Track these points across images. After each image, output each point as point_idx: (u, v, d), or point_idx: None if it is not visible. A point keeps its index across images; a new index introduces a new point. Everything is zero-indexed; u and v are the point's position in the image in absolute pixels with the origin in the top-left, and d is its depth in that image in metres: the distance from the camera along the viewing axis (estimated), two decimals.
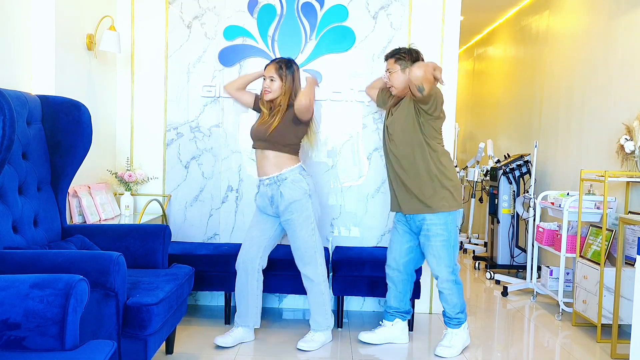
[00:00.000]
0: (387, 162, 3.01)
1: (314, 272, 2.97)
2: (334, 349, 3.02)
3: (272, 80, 2.88)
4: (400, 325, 3.13)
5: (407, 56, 2.89)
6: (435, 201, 2.85)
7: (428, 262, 2.98)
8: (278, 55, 3.63)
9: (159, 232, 2.78)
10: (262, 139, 2.90)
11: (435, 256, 2.91)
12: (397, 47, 3.01)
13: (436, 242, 2.89)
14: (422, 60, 2.89)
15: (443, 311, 3.02)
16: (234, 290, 3.28)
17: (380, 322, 3.17)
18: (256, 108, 3.15)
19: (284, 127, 2.87)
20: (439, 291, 2.98)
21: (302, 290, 3.23)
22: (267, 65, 2.96)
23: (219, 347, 2.93)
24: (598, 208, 3.65)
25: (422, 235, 2.93)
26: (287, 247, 3.24)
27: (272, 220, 3.01)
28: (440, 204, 2.86)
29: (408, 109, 2.86)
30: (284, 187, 2.86)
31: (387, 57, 2.97)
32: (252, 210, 3.27)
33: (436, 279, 2.98)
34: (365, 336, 3.12)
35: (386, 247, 3.25)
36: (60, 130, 2.62)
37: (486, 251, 5.77)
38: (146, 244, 2.75)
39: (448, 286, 2.94)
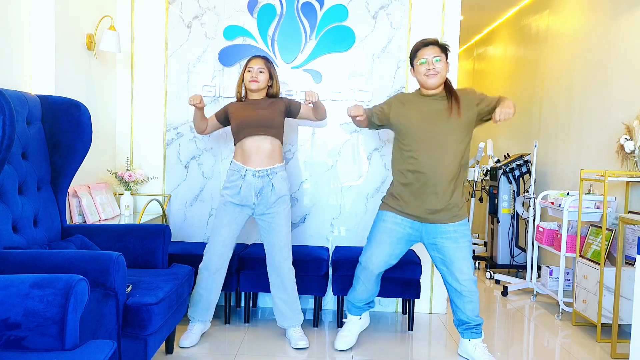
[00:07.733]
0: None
1: (290, 265, 3.04)
2: (334, 349, 3.01)
3: (261, 72, 3.01)
4: (366, 315, 3.13)
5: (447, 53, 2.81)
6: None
7: (457, 265, 2.79)
8: (278, 55, 3.63)
9: (158, 232, 2.78)
10: (264, 125, 2.94)
11: (466, 258, 2.80)
12: (437, 39, 2.80)
13: (465, 242, 2.80)
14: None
15: (461, 319, 2.85)
16: (233, 290, 3.28)
17: (345, 320, 3.11)
18: (224, 122, 3.14)
19: (280, 115, 3.04)
20: (465, 296, 2.80)
21: (302, 290, 3.23)
22: (251, 59, 3.04)
23: (184, 347, 2.90)
24: (598, 208, 3.65)
25: (447, 238, 2.80)
26: (295, 247, 3.24)
27: (242, 218, 2.98)
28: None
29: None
30: (276, 181, 2.95)
31: (428, 43, 2.76)
32: None
33: (462, 283, 2.78)
34: (340, 344, 2.99)
35: None
36: (60, 130, 2.62)
37: (486, 251, 5.77)
38: (146, 243, 2.75)
39: (474, 287, 2.82)
